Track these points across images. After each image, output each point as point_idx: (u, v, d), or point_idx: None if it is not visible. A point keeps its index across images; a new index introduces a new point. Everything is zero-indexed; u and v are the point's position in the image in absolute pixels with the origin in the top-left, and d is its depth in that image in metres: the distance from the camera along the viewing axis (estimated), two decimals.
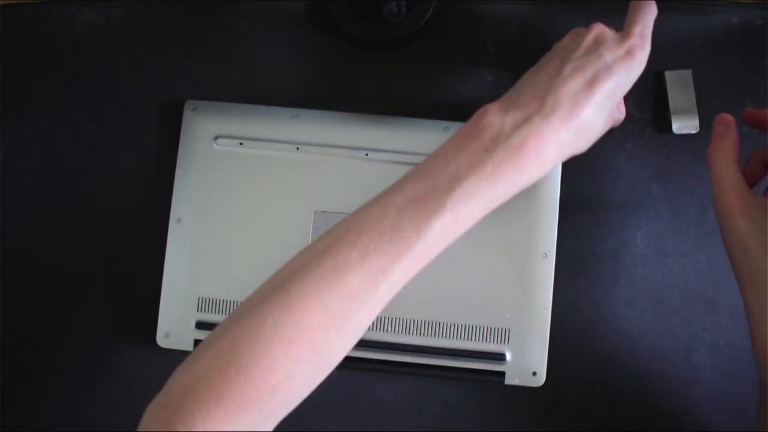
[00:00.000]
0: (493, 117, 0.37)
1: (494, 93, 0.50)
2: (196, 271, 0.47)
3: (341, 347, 0.35)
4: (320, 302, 0.33)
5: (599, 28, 0.40)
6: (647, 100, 0.50)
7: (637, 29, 0.39)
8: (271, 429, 0.35)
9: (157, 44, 0.51)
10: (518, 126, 0.36)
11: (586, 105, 0.37)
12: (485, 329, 0.46)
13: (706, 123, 0.49)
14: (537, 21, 0.51)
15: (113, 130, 0.51)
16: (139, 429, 0.33)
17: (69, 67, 0.51)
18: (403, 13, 0.48)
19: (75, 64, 0.51)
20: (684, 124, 0.48)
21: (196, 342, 0.47)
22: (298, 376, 0.34)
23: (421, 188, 0.36)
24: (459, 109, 0.50)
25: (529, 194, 0.46)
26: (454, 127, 0.48)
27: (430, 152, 0.46)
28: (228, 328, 0.34)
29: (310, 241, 0.46)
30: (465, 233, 0.37)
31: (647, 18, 0.40)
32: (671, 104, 0.48)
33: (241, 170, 0.47)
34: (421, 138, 0.48)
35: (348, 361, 0.45)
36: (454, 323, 0.46)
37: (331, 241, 0.35)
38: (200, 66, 0.51)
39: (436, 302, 0.46)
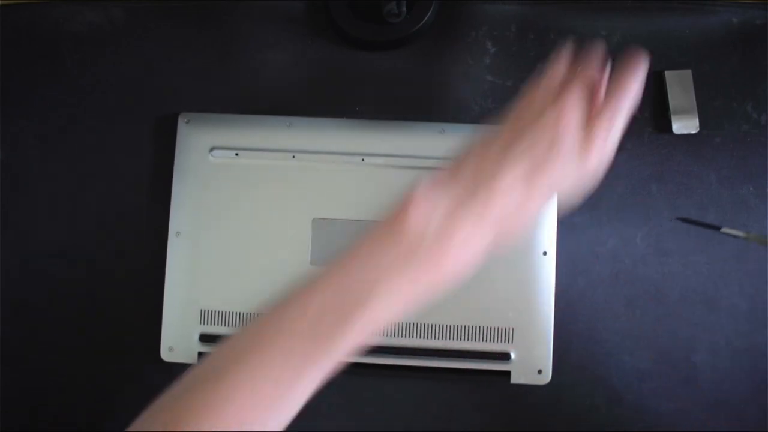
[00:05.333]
0: (422, 209, 0.34)
1: (494, 93, 0.50)
2: (197, 283, 0.47)
3: None
4: (231, 411, 0.32)
5: (566, 120, 0.34)
6: (647, 100, 0.50)
7: (604, 133, 0.35)
8: None
9: (157, 45, 0.51)
10: (445, 227, 0.34)
11: (520, 204, 0.34)
12: (489, 329, 0.46)
13: (706, 123, 0.49)
14: (537, 21, 0.51)
15: (110, 140, 0.50)
16: None
17: (69, 67, 0.51)
18: (403, 13, 0.48)
19: (75, 64, 0.51)
20: (684, 124, 0.48)
21: (200, 355, 0.47)
22: None
23: (339, 291, 0.34)
24: (460, 109, 0.50)
25: None
26: (450, 129, 0.48)
27: (426, 155, 0.47)
28: (152, 415, 0.33)
29: (309, 249, 0.46)
30: None
31: (620, 117, 0.36)
32: (671, 104, 0.48)
33: (238, 181, 0.47)
34: (416, 141, 0.48)
35: (355, 367, 0.46)
36: (458, 325, 0.46)
37: (248, 344, 0.34)
38: (200, 67, 0.51)
39: (440, 305, 0.46)
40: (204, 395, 0.33)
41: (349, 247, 0.35)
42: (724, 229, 0.46)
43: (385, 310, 0.34)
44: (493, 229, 0.34)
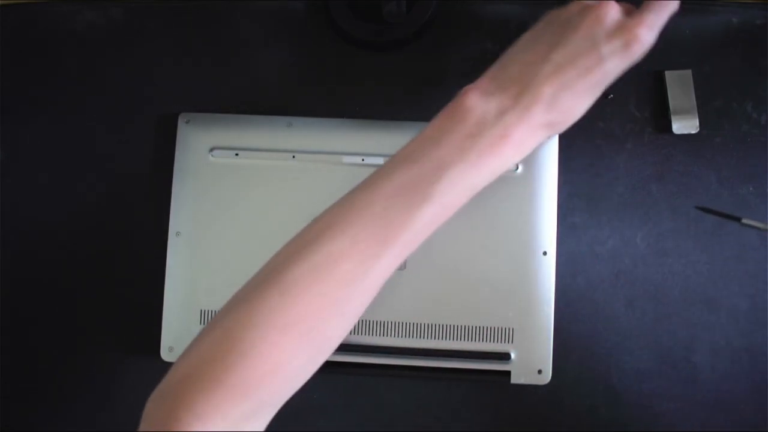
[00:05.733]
0: (477, 100, 0.36)
1: None
2: (197, 283, 0.47)
3: (338, 330, 0.35)
4: (315, 288, 0.34)
5: (604, 8, 0.36)
6: (647, 100, 0.50)
7: (646, 20, 0.36)
8: (273, 411, 0.35)
9: (157, 45, 0.51)
10: (501, 114, 0.36)
11: (568, 98, 0.36)
12: (489, 329, 0.46)
13: (706, 123, 0.49)
14: (537, 21, 0.50)
15: (110, 140, 0.50)
16: (143, 418, 0.34)
17: (69, 67, 0.51)
18: (403, 13, 0.48)
19: (75, 64, 0.51)
20: (684, 124, 0.48)
21: None
22: (296, 359, 0.34)
23: (409, 175, 0.36)
24: None
25: (528, 193, 0.47)
26: None
27: None
28: (226, 315, 0.34)
29: None
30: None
31: (663, 10, 0.37)
32: (671, 104, 0.48)
33: (238, 181, 0.47)
34: None
35: (355, 367, 0.46)
36: (458, 325, 0.46)
37: (322, 228, 0.36)
38: (200, 67, 0.51)
39: (440, 305, 0.46)
40: (279, 282, 0.34)
41: (414, 137, 0.37)
42: (744, 221, 0.46)
43: (452, 195, 0.36)
44: (541, 129, 0.36)
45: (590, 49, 0.35)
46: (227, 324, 0.34)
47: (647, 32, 0.36)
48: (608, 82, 0.37)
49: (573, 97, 0.36)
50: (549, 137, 0.38)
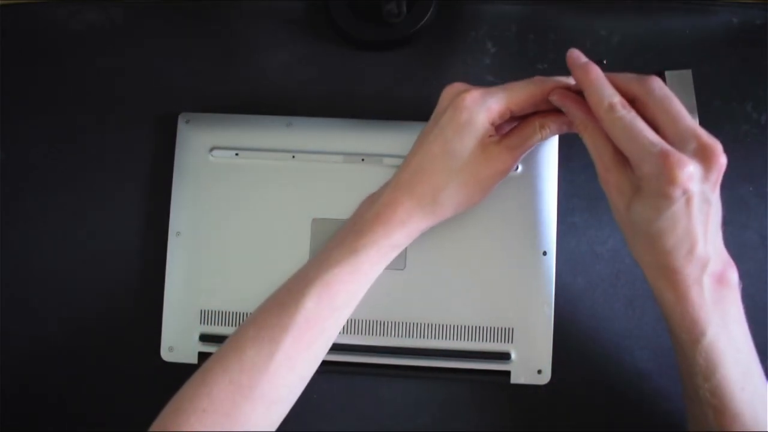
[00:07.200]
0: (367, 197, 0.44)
1: None
2: (197, 283, 0.47)
3: (251, 412, 0.37)
4: (225, 375, 0.37)
5: (446, 90, 0.42)
6: None
7: (476, 89, 0.40)
8: None
9: (157, 45, 0.51)
10: (373, 202, 0.42)
11: (462, 203, 0.41)
12: (489, 329, 0.46)
13: (706, 123, 0.49)
14: (537, 21, 0.51)
15: (110, 140, 0.50)
16: None
17: (69, 67, 0.51)
18: (403, 13, 0.48)
19: (75, 64, 0.51)
20: None
21: (200, 355, 0.47)
22: None
23: (305, 268, 0.42)
24: None
25: (528, 193, 0.47)
26: None
27: None
28: (181, 389, 0.39)
29: (309, 249, 0.47)
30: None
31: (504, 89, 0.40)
32: None
33: (238, 181, 0.47)
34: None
35: (355, 367, 0.46)
36: (458, 325, 0.46)
37: (245, 322, 0.40)
38: (200, 67, 0.51)
39: (440, 305, 0.46)
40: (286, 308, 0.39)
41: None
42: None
43: (333, 273, 0.40)
44: (406, 209, 0.41)
45: (433, 126, 0.41)
46: (165, 409, 0.38)
47: (472, 93, 0.39)
48: (460, 152, 0.39)
49: (431, 176, 0.40)
50: (434, 222, 0.42)
